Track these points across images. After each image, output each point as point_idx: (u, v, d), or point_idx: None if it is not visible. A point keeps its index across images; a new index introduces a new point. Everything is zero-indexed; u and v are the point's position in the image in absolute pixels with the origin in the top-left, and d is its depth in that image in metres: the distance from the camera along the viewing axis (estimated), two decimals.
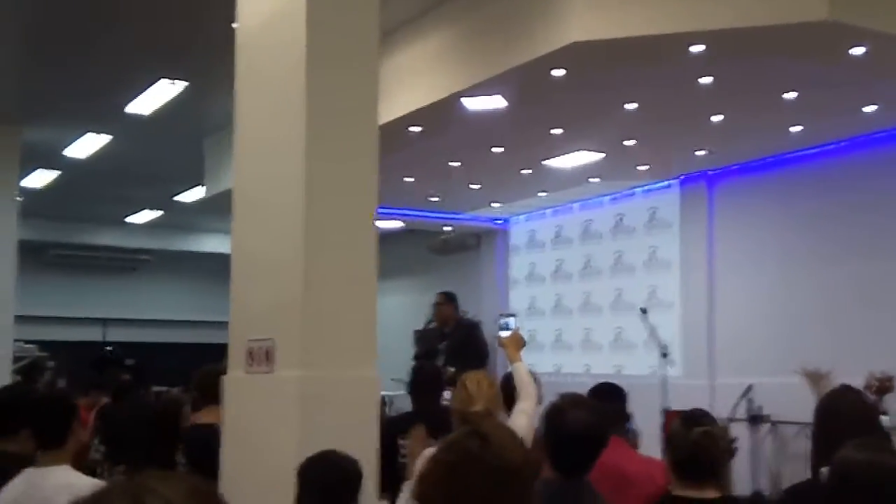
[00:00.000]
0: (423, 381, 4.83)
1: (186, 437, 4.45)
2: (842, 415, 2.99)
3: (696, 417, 2.77)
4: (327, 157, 3.81)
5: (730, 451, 2.80)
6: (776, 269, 9.11)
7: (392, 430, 4.36)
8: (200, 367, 4.81)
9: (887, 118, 7.64)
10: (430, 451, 3.52)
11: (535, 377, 3.92)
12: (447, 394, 6.30)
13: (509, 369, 4.01)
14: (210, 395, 4.44)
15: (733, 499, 2.88)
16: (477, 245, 13.38)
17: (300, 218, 3.71)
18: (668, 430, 2.83)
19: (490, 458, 1.78)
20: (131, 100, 8.87)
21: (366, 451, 3.15)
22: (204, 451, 4.18)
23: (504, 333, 4.20)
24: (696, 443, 2.67)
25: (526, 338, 4.16)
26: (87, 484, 3.35)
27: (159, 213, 14.63)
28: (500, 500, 1.77)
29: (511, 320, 4.37)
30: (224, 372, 4.22)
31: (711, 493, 2.70)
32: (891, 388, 6.98)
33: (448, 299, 8.82)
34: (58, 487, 3.28)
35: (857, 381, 6.86)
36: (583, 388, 3.63)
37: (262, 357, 3.76)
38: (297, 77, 3.83)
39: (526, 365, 3.90)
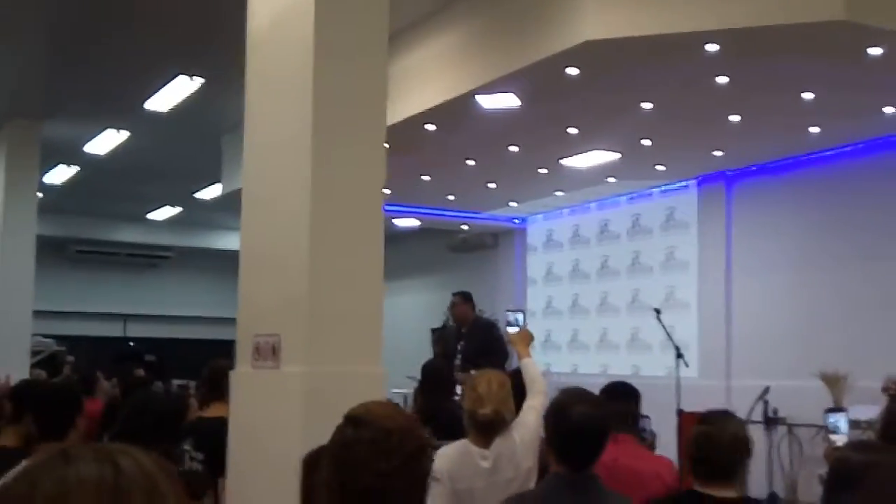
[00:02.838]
0: (430, 380, 4.72)
1: (195, 429, 4.45)
2: None
3: (715, 416, 2.81)
4: (334, 153, 3.81)
5: (745, 452, 2.80)
6: (794, 271, 9.03)
7: None
8: (209, 362, 4.78)
9: None
10: (442, 451, 3.51)
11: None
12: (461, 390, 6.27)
13: (517, 365, 3.95)
14: (218, 390, 4.45)
15: (751, 500, 2.89)
16: (494, 244, 13.36)
17: (307, 213, 3.72)
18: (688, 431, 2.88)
19: (367, 435, 1.83)
20: (150, 96, 8.94)
21: None
22: (216, 440, 4.19)
23: (512, 330, 4.12)
24: (699, 441, 2.72)
25: (542, 337, 4.07)
26: None
27: (179, 209, 14.73)
28: (389, 472, 1.80)
29: (519, 316, 4.17)
30: (232, 367, 4.24)
31: (729, 493, 2.72)
32: None
33: (464, 299, 8.74)
34: None
35: (875, 384, 6.82)
36: (599, 389, 3.61)
37: (269, 352, 3.76)
38: (305, 74, 3.84)
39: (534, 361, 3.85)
